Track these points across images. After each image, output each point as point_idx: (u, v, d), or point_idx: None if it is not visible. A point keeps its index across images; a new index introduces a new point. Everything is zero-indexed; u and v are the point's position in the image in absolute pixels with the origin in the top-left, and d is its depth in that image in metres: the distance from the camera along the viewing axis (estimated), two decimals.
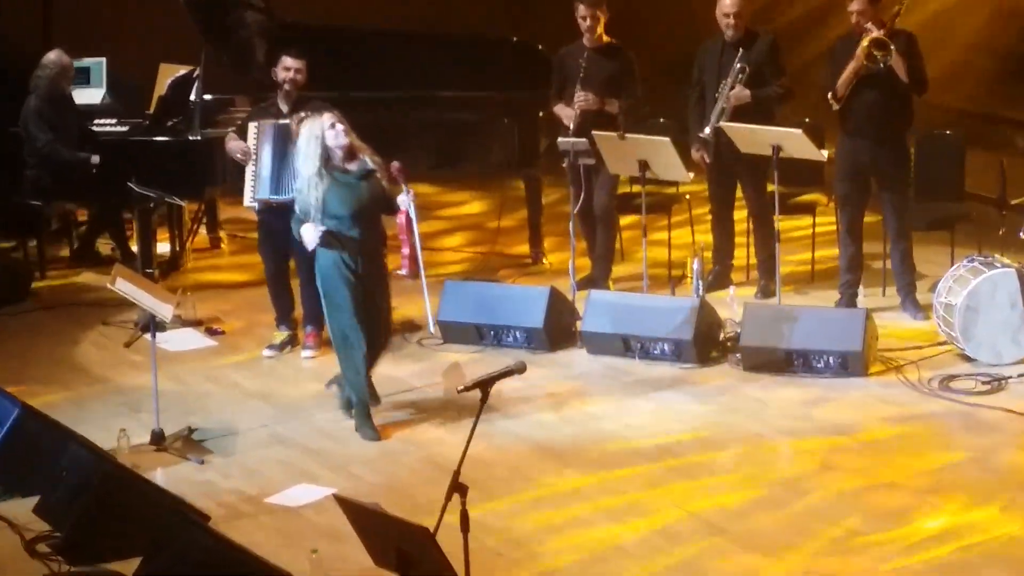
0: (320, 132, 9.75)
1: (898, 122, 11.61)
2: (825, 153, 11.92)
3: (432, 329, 11.76)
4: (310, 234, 9.79)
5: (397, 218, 10.80)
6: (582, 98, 11.92)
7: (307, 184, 9.78)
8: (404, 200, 10.43)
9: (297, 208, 9.88)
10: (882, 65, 11.14)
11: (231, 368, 11.32)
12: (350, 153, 9.84)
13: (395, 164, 10.88)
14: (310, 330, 11.43)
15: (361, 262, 9.89)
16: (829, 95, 11.49)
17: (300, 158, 9.87)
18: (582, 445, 10.13)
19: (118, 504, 8.14)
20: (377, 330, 10.09)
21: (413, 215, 10.93)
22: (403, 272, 10.90)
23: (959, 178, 12.59)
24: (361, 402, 10.06)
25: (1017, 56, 17.35)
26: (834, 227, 12.53)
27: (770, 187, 11.84)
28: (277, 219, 11.06)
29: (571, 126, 11.98)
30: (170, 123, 12.82)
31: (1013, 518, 8.86)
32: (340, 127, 9.78)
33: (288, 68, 11.13)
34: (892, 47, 11.11)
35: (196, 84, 12.69)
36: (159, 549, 7.59)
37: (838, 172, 11.83)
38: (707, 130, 11.75)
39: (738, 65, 11.72)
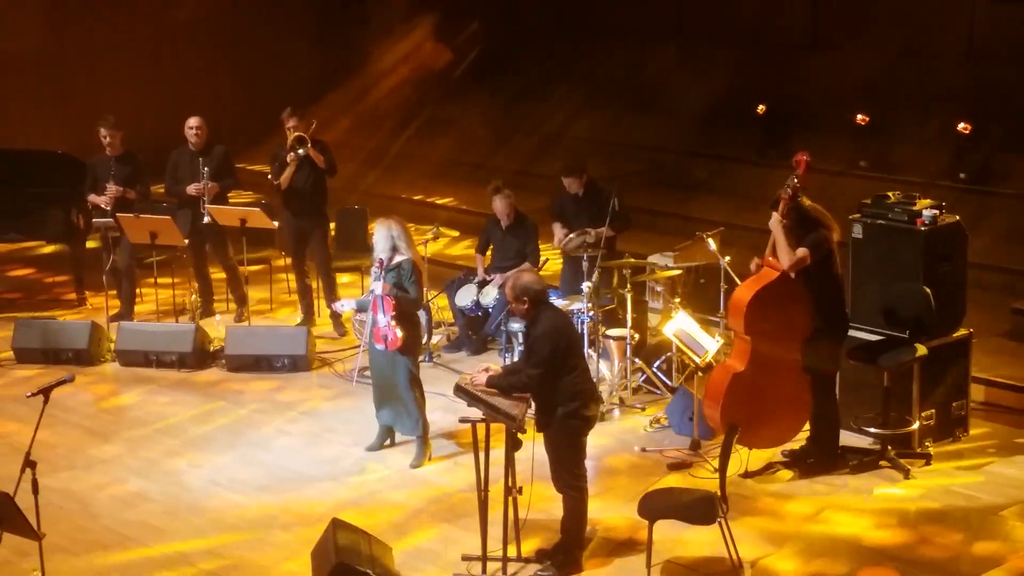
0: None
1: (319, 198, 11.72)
2: (277, 224, 12.09)
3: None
4: None
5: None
6: (113, 191, 11.82)
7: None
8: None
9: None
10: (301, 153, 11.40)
11: None
12: None
13: None
14: None
15: None
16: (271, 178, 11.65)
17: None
18: (121, 423, 10.14)
19: None
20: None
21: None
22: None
23: (365, 237, 12.66)
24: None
25: None
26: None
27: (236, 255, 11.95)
28: None
29: (108, 209, 11.84)
30: None
31: None
32: None
33: None
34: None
35: None
36: None
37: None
38: (205, 217, 11.75)
39: (205, 169, 11.76)
